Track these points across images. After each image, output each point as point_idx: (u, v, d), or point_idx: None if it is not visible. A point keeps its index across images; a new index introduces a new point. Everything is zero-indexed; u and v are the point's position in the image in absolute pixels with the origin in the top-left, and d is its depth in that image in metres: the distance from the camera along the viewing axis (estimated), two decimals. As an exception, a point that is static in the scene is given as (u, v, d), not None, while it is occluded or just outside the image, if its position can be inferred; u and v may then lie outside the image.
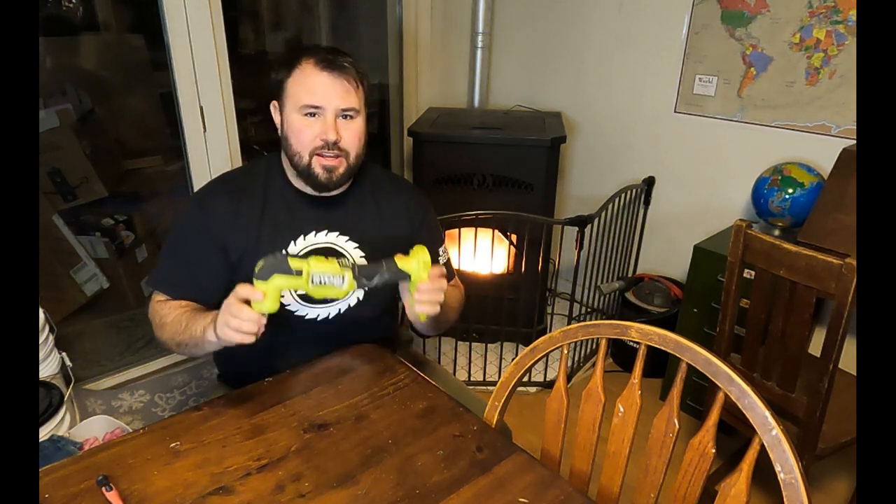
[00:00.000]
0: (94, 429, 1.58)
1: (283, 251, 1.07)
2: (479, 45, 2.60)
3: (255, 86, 2.37)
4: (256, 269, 0.90)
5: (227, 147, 2.09)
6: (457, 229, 2.10)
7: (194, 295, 1.11)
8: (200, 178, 2.07)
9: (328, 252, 1.16)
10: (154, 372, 2.15)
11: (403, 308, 1.05)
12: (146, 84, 2.28)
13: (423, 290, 0.96)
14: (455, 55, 2.77)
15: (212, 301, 1.08)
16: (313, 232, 1.15)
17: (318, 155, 1.08)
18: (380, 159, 2.95)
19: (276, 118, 1.13)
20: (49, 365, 1.65)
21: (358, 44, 2.94)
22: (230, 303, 0.91)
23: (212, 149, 2.06)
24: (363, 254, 1.18)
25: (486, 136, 2.18)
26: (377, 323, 1.27)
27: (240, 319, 0.89)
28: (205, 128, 2.03)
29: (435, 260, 1.22)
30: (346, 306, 1.19)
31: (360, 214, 1.19)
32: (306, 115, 1.06)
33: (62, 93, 2.14)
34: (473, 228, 2.06)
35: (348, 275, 0.93)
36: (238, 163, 2.15)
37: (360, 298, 1.20)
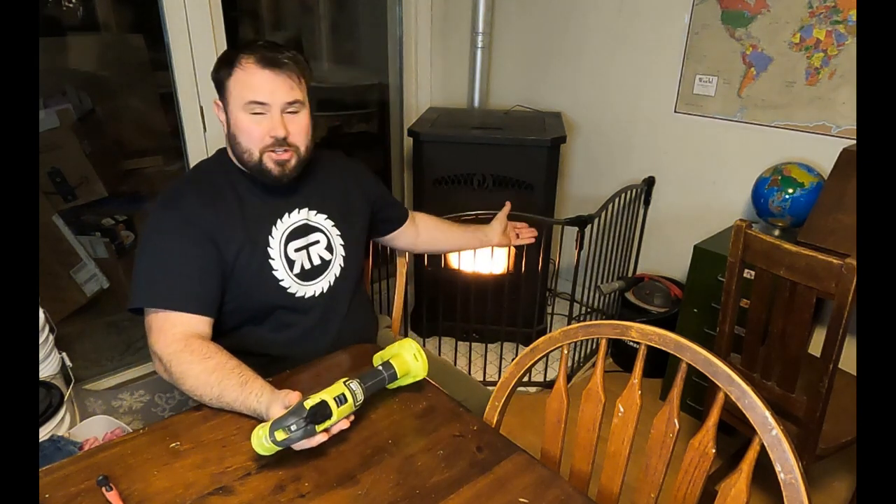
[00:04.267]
0: (94, 429, 1.58)
1: (309, 423, 0.84)
2: (479, 45, 2.60)
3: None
4: (278, 438, 0.82)
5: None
6: (457, 229, 2.10)
7: (196, 304, 1.06)
8: (200, 178, 2.07)
9: (305, 230, 1.20)
10: (154, 372, 2.14)
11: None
12: (146, 84, 2.28)
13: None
14: (455, 55, 2.77)
15: (211, 308, 1.08)
16: (286, 213, 1.18)
17: (269, 151, 1.10)
18: (380, 159, 2.96)
19: (221, 116, 1.15)
20: (49, 365, 1.65)
21: (358, 44, 2.94)
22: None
23: (212, 149, 2.04)
24: (334, 223, 1.24)
25: (486, 136, 2.18)
26: (357, 294, 1.32)
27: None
28: (205, 128, 2.03)
29: (390, 197, 1.45)
30: (334, 278, 1.24)
31: (321, 190, 1.24)
32: (252, 113, 1.08)
33: (62, 93, 2.14)
34: (473, 228, 2.05)
35: (358, 404, 0.91)
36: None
37: (343, 265, 1.26)
